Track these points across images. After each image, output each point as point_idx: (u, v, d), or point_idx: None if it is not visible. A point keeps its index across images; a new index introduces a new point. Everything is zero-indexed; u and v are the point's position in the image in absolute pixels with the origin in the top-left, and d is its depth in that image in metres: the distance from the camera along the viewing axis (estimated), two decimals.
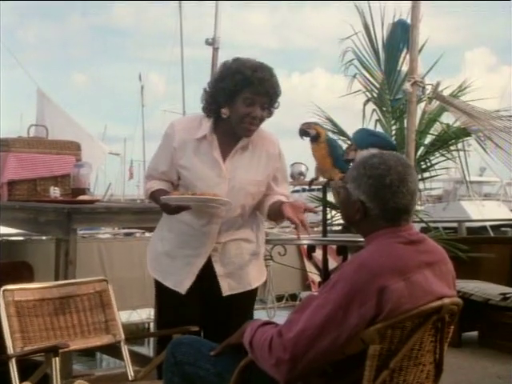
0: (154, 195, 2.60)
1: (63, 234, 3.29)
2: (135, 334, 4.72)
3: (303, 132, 3.69)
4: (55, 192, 3.72)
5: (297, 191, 4.52)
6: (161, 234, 2.72)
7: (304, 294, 6.38)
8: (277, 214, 2.57)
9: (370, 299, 1.70)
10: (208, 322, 2.66)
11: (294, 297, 6.90)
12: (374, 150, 2.86)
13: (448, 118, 5.22)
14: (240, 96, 2.47)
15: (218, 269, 2.62)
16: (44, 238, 5.17)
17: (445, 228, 7.28)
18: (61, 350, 2.31)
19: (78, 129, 4.65)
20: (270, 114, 2.57)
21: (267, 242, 4.36)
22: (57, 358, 2.29)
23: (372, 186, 1.86)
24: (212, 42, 6.98)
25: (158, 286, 2.70)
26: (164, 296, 2.69)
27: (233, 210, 2.56)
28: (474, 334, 4.88)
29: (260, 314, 5.72)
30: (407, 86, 3.41)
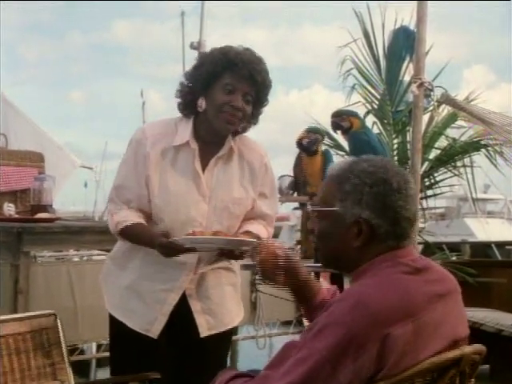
0: (131, 230, 2.10)
1: (13, 258, 2.88)
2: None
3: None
4: (9, 209, 3.29)
5: (297, 208, 4.11)
6: (120, 261, 2.26)
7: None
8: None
9: (369, 350, 1.29)
10: (179, 367, 2.24)
11: (287, 323, 6.45)
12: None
13: (454, 132, 4.91)
14: (219, 82, 2.06)
15: (194, 304, 2.19)
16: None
17: (447, 246, 7.01)
18: None
19: (45, 139, 4.24)
20: (255, 114, 2.15)
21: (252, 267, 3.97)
22: None
23: (379, 194, 1.45)
24: (197, 46, 6.55)
25: (114, 322, 2.25)
26: (124, 336, 2.23)
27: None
28: (486, 367, 4.52)
29: (249, 345, 5.28)
30: (413, 87, 3.05)
